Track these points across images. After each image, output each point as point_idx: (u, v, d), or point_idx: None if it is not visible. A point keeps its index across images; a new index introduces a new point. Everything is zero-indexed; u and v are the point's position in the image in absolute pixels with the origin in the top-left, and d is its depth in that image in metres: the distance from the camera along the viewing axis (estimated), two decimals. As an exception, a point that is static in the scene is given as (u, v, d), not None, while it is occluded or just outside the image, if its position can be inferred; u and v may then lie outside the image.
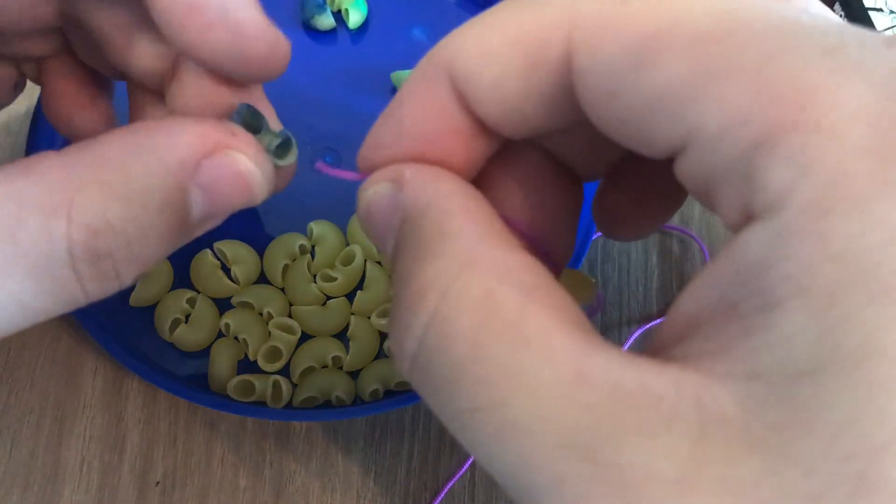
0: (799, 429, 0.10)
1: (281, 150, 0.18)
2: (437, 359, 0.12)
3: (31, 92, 0.38)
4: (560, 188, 0.18)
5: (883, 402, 0.10)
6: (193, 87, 0.18)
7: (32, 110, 0.35)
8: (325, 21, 0.38)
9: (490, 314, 0.12)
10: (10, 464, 0.32)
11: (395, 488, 0.33)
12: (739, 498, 0.10)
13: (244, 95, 0.19)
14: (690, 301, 0.12)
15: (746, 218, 0.11)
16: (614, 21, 0.12)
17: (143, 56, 0.20)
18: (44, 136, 0.34)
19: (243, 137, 0.17)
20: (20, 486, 0.32)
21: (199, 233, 0.17)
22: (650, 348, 0.13)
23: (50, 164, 0.15)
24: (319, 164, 0.18)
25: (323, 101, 0.37)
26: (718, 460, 0.11)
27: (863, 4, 0.39)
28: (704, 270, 0.12)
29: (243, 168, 0.17)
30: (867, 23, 0.39)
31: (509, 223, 0.15)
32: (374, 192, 0.15)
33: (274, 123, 0.19)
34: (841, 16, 0.40)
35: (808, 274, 0.10)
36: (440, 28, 0.39)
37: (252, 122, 0.18)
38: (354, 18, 0.38)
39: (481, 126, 0.15)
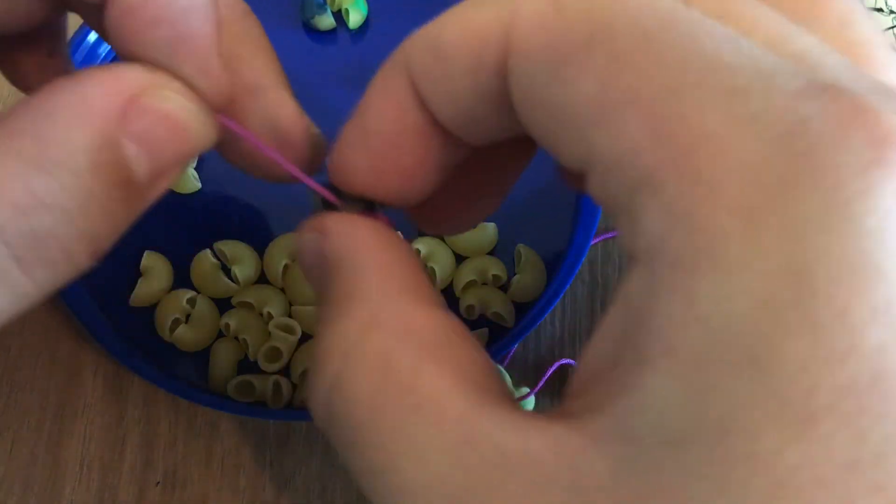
0: (664, 501, 0.10)
1: None
2: (340, 421, 0.13)
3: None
4: None
5: (742, 479, 0.10)
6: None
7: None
8: (325, 21, 0.38)
9: (387, 377, 0.12)
10: (10, 464, 0.32)
11: (395, 488, 0.33)
12: None
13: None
14: (590, 350, 0.12)
15: (630, 259, 0.11)
16: (546, 25, 0.12)
17: None
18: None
19: (165, 73, 0.14)
20: (20, 486, 0.32)
21: (154, 195, 0.15)
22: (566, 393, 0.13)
23: None
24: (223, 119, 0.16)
25: (323, 101, 0.37)
26: None
27: (862, 4, 0.39)
28: (603, 317, 0.12)
29: (173, 106, 0.14)
30: (867, 23, 0.39)
31: None
32: (305, 240, 0.16)
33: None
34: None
35: (676, 333, 0.10)
36: (440, 28, 0.39)
37: None
38: (354, 18, 0.38)
39: (440, 128, 0.15)
